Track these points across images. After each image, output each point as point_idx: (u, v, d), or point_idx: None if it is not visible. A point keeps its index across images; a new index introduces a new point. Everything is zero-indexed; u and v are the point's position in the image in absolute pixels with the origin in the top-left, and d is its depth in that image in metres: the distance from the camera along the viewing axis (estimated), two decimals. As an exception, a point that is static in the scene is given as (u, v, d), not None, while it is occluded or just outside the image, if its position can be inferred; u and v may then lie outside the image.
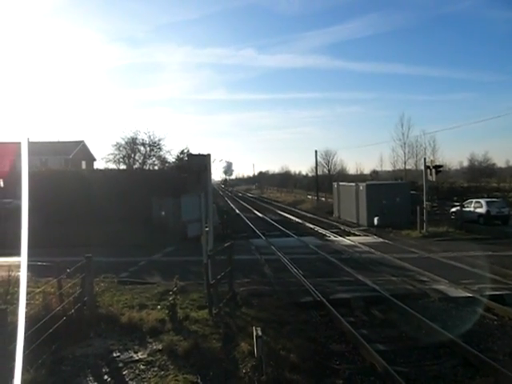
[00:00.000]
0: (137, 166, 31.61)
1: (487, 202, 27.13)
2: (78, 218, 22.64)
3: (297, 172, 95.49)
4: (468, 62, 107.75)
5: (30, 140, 36.47)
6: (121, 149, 32.26)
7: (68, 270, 8.23)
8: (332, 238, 22.52)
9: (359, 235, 23.18)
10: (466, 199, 30.27)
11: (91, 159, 48.87)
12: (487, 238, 20.64)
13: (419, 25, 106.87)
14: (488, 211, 26.29)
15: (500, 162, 72.68)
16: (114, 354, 6.91)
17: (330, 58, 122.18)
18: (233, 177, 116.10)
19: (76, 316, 7.64)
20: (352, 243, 20.18)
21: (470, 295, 10.51)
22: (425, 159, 26.22)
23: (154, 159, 32.46)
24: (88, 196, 24.09)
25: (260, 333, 6.09)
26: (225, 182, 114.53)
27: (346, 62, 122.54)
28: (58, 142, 47.52)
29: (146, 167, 31.70)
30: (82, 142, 49.66)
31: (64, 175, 28.12)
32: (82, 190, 24.76)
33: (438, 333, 7.97)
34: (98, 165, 47.74)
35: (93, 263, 8.35)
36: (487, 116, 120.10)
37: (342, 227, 26.40)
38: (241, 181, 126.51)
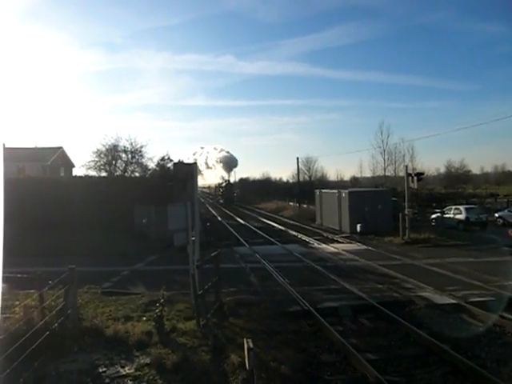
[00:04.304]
0: (118, 173, 31.03)
1: (466, 209, 27.87)
2: (57, 227, 22.08)
3: (277, 178, 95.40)
4: (444, 72, 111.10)
5: (6, 146, 35.66)
6: (102, 156, 31.59)
7: (50, 282, 7.95)
8: (316, 245, 22.54)
9: (343, 242, 23.28)
10: (445, 205, 30.93)
11: (70, 166, 47.82)
12: (467, 244, 21.01)
13: (396, 34, 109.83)
14: (467, 217, 26.91)
15: (475, 169, 74.75)
16: (100, 370, 6.68)
17: (309, 65, 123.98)
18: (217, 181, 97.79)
19: (59, 330, 7.35)
20: (336, 250, 20.24)
21: (455, 302, 10.63)
22: (406, 167, 26.72)
23: (135, 166, 31.95)
24: (67, 204, 23.54)
25: (251, 345, 5.97)
26: (226, 187, 70.11)
27: (324, 70, 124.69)
28: (36, 148, 46.34)
29: (128, 174, 31.16)
30: (60, 148, 48.59)
31: (42, 182, 27.49)
32: (62, 198, 24.20)
33: (426, 340, 8.01)
34: (78, 172, 46.57)
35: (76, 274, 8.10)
36: (464, 124, 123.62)
37: (325, 234, 26.49)
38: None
